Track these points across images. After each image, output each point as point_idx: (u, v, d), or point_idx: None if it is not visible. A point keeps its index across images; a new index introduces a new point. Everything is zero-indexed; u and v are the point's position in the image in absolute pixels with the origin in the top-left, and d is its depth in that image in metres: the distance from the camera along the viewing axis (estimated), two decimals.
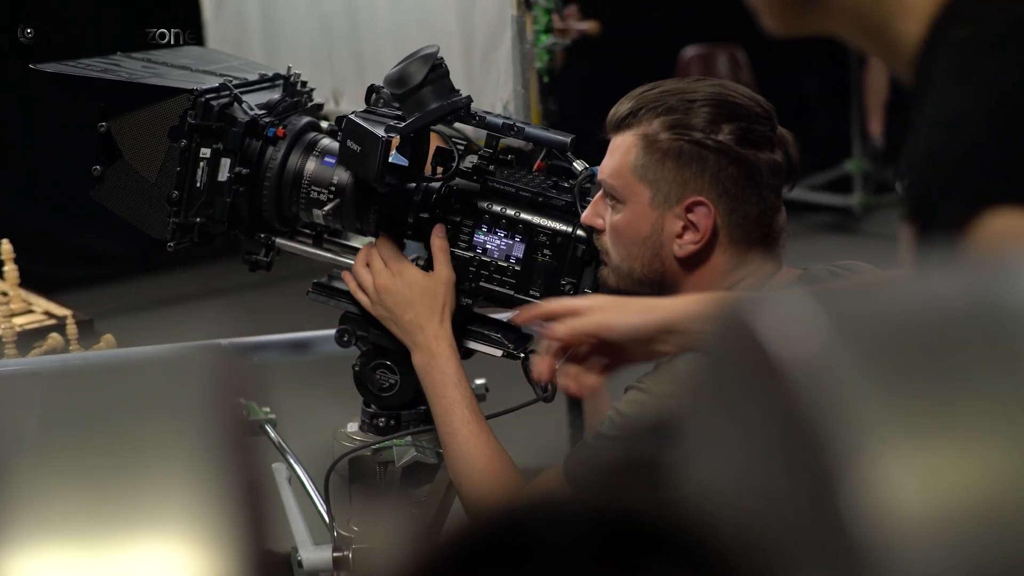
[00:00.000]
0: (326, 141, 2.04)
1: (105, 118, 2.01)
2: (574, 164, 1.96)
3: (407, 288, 1.96)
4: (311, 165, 2.01)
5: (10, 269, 3.40)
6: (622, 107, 1.79)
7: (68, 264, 6.41)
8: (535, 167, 2.00)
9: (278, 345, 2.52)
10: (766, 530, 0.49)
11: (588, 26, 4.39)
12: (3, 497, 0.52)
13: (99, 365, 0.68)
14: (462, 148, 1.98)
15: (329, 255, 2.10)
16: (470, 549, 0.53)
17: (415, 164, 1.90)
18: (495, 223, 1.96)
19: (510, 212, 1.96)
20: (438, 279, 1.97)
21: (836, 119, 7.38)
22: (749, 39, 4.46)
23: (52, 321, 3.42)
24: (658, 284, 1.79)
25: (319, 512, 2.12)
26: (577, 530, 0.51)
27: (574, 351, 1.52)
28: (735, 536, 0.50)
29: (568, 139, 1.93)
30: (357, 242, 2.16)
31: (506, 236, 1.96)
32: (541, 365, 1.53)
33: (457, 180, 1.98)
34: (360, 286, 2.00)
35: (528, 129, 1.94)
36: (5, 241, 3.40)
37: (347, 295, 2.08)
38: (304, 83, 2.18)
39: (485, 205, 1.97)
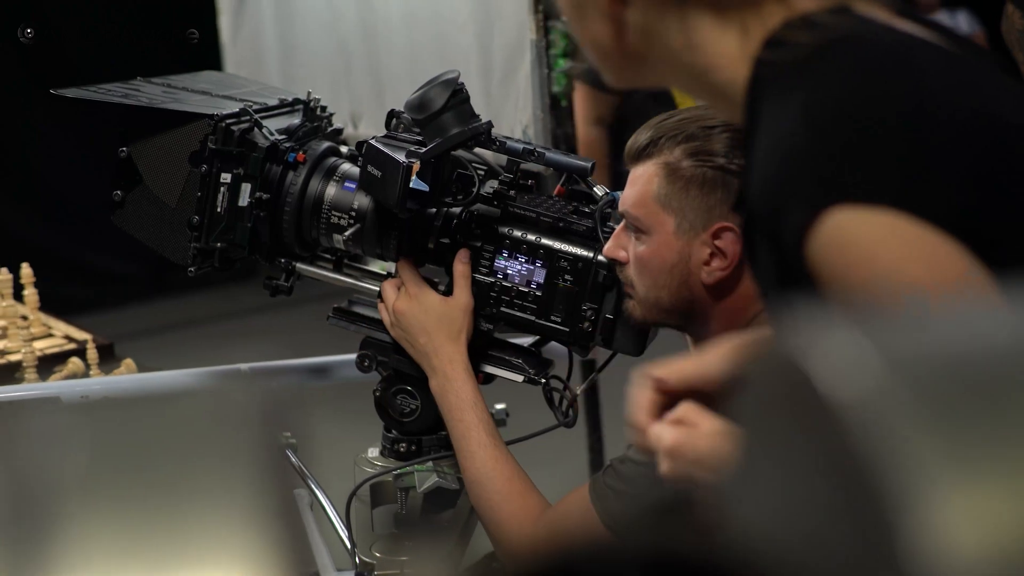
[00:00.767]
0: (346, 166, 2.04)
1: (125, 143, 2.01)
2: (594, 189, 1.96)
3: (423, 313, 1.96)
4: (331, 190, 2.01)
5: (30, 293, 3.40)
6: (641, 137, 1.78)
7: (87, 286, 6.42)
8: (555, 192, 2.00)
9: (299, 369, 2.51)
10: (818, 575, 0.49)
11: None
12: (19, 527, 0.51)
13: (120, 392, 0.67)
14: (482, 173, 1.98)
15: (349, 280, 2.10)
16: None
17: (436, 189, 1.90)
18: (516, 248, 1.96)
19: (531, 237, 1.95)
20: (456, 304, 1.96)
21: None
22: None
23: (72, 345, 3.41)
24: (687, 313, 1.78)
25: (340, 538, 2.11)
26: None
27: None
28: None
29: (589, 164, 1.93)
30: (377, 267, 2.16)
31: (527, 261, 1.96)
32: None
33: (478, 205, 1.98)
34: (384, 305, 2.01)
35: (549, 154, 1.94)
36: (25, 265, 3.40)
37: (368, 320, 2.08)
38: (324, 108, 2.18)
39: (506, 230, 1.97)
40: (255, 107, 2.03)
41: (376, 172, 1.87)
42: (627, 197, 1.79)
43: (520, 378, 2.01)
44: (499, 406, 2.25)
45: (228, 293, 6.24)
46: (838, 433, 0.47)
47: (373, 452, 2.11)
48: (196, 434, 0.58)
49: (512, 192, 1.97)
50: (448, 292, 1.98)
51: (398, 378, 2.06)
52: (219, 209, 1.98)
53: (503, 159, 1.98)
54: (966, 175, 1.01)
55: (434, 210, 1.99)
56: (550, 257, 1.94)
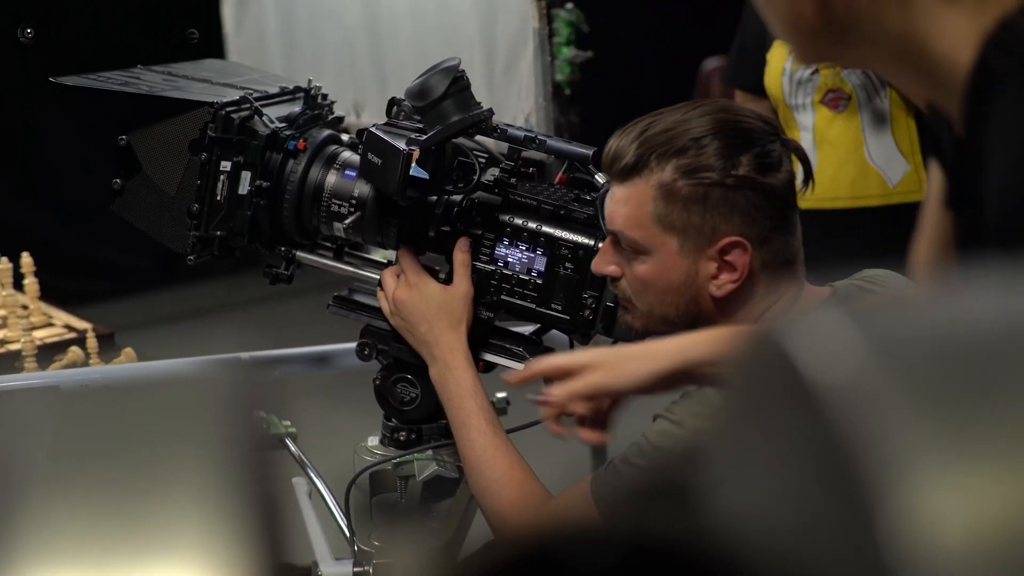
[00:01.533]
0: (347, 154, 2.03)
1: (125, 131, 2.00)
2: (596, 177, 1.95)
3: (423, 302, 1.96)
4: (332, 178, 2.00)
5: (30, 282, 3.40)
6: (626, 154, 1.71)
7: (88, 277, 6.43)
8: (557, 180, 1.99)
9: (298, 358, 2.51)
10: (801, 560, 0.48)
11: None
12: (17, 517, 0.51)
13: (118, 381, 0.67)
14: (483, 161, 1.97)
15: (350, 268, 2.10)
16: None
17: (436, 177, 1.89)
18: (517, 236, 1.95)
19: (532, 225, 1.95)
20: (456, 293, 1.96)
21: None
22: None
23: (72, 334, 3.41)
24: (692, 324, 1.73)
25: (339, 527, 2.10)
26: (609, 561, 0.50)
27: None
28: (769, 567, 0.48)
29: (590, 151, 1.92)
30: (378, 255, 2.15)
31: (528, 249, 1.95)
32: (551, 427, 1.51)
33: (478, 193, 1.97)
34: (384, 294, 2.01)
35: (550, 142, 1.93)
36: (25, 254, 3.40)
37: (368, 309, 2.07)
38: (325, 96, 2.17)
39: (507, 218, 1.96)
40: (255, 95, 2.02)
41: (376, 160, 1.86)
42: (618, 216, 1.73)
43: (520, 366, 2.01)
44: (500, 395, 2.25)
45: (229, 283, 6.25)
46: (822, 416, 0.46)
47: (373, 440, 2.11)
48: (195, 422, 0.57)
49: (513, 180, 1.97)
50: (448, 280, 1.98)
51: (398, 366, 2.05)
52: (219, 197, 1.98)
53: (505, 147, 1.97)
54: None
55: (435, 198, 1.98)
56: (551, 245, 1.94)
